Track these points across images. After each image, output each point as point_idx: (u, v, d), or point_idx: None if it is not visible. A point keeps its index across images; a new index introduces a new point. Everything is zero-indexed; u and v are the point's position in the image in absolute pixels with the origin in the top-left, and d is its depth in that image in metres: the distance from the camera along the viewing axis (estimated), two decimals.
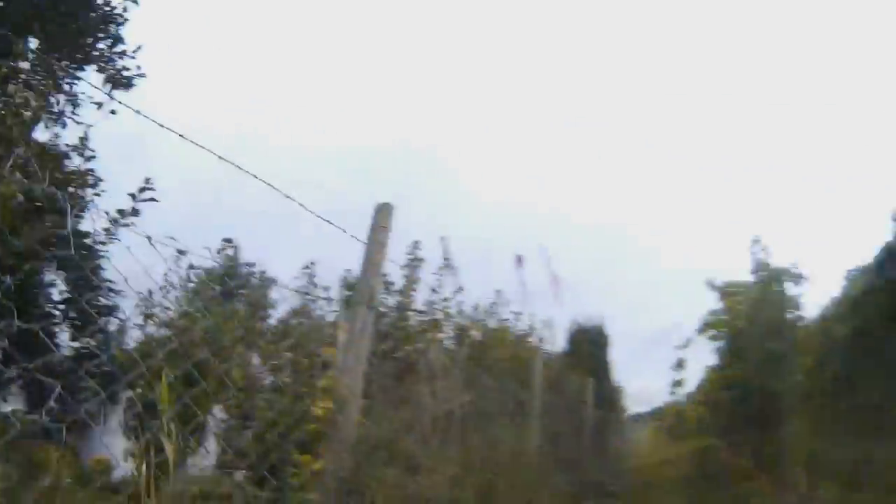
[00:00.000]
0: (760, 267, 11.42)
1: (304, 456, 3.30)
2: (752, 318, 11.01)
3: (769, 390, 10.69)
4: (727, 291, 11.43)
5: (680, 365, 11.27)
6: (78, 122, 5.12)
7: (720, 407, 13.04)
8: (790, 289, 11.08)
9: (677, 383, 11.33)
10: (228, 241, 4.93)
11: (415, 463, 4.08)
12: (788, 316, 11.00)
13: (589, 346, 11.87)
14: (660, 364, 11.53)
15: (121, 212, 3.54)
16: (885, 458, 8.22)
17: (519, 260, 6.63)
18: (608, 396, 12.27)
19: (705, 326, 11.29)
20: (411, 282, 5.25)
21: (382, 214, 3.88)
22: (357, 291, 3.80)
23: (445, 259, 5.56)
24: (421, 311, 5.30)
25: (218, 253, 4.67)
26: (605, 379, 12.43)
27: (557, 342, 9.10)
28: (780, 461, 10.73)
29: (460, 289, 5.70)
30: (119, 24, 5.70)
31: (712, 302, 11.51)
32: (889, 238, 10.03)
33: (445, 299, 5.60)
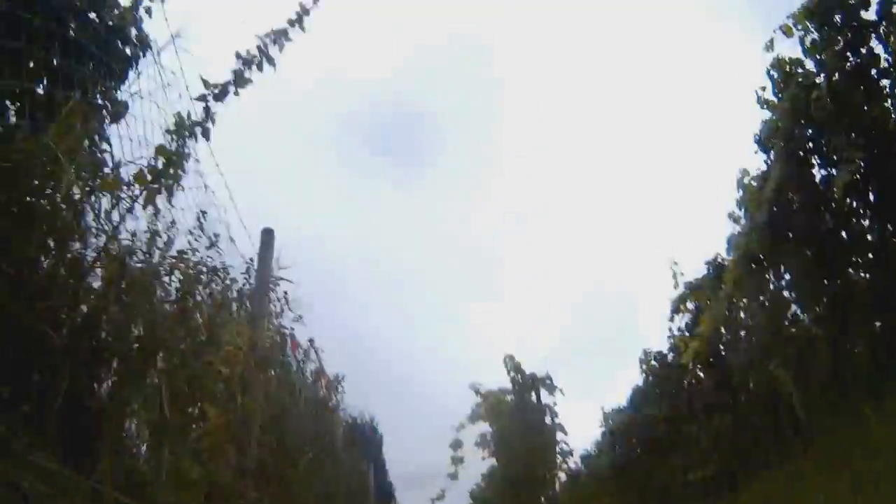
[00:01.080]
0: (516, 372, 13.54)
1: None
2: (514, 417, 13.01)
3: (536, 476, 12.54)
4: (489, 393, 13.37)
5: (458, 444, 12.80)
6: None
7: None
8: (544, 396, 13.40)
9: (457, 460, 12.74)
10: None
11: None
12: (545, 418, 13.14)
13: (364, 441, 12.95)
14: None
15: None
16: None
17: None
18: (385, 489, 13.52)
19: (474, 417, 13.04)
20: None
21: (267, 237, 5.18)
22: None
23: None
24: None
25: None
26: (382, 472, 13.65)
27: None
28: None
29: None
30: None
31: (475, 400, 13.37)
32: (639, 382, 12.27)
33: None
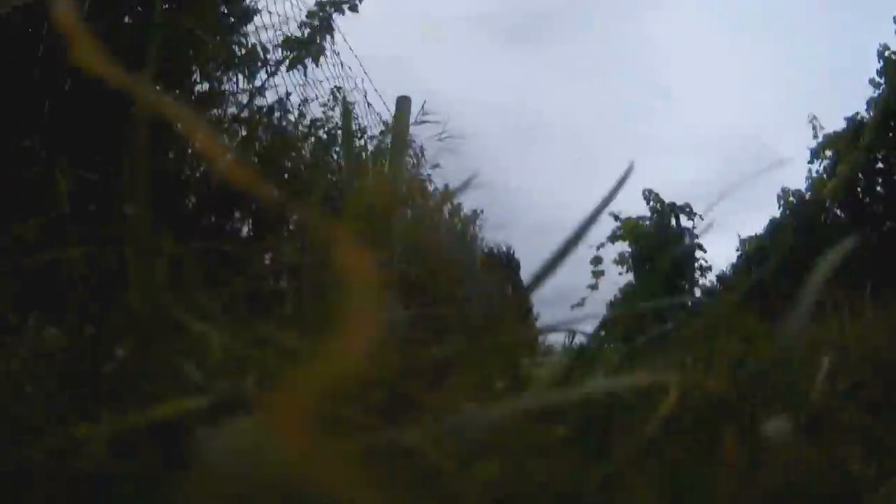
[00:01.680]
0: (655, 201, 13.86)
1: None
2: (655, 236, 13.53)
3: (674, 287, 13.26)
4: (628, 218, 13.85)
5: (598, 260, 13.62)
6: None
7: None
8: (683, 221, 13.76)
9: (598, 273, 13.61)
10: None
11: None
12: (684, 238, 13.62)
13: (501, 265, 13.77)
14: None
15: None
16: None
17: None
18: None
19: (615, 237, 13.69)
20: None
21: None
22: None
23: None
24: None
25: None
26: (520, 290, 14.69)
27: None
28: None
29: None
30: None
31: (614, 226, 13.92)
32: (776, 214, 12.74)
33: None
